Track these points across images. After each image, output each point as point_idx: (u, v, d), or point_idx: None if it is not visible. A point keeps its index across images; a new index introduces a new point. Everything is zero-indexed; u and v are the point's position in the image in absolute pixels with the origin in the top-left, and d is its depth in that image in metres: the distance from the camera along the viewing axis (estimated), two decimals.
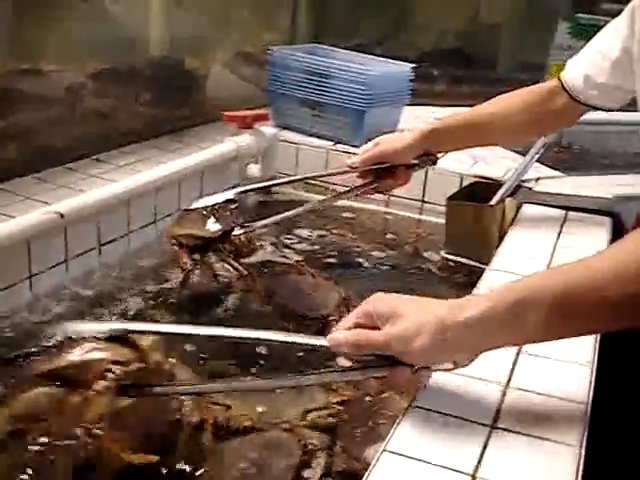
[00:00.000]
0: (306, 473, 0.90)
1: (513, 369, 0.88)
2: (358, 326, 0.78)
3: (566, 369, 0.90)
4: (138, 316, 1.25)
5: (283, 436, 0.97)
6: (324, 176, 1.68)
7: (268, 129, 1.86)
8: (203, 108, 1.91)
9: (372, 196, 1.69)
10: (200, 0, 1.89)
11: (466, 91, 2.70)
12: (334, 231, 1.69)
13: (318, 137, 1.90)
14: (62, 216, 1.27)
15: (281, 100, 1.94)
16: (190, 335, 0.90)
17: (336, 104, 1.85)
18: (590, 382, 0.87)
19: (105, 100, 1.64)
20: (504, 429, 0.77)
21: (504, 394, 0.83)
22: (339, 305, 1.29)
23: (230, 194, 1.35)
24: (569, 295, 0.71)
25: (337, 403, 1.04)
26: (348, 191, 1.47)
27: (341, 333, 0.78)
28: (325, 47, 2.08)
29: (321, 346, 0.79)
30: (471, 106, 1.45)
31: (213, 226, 1.30)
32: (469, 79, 2.76)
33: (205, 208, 1.32)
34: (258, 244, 1.49)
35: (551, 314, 0.71)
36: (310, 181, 1.76)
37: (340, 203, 1.76)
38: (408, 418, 0.78)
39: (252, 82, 2.08)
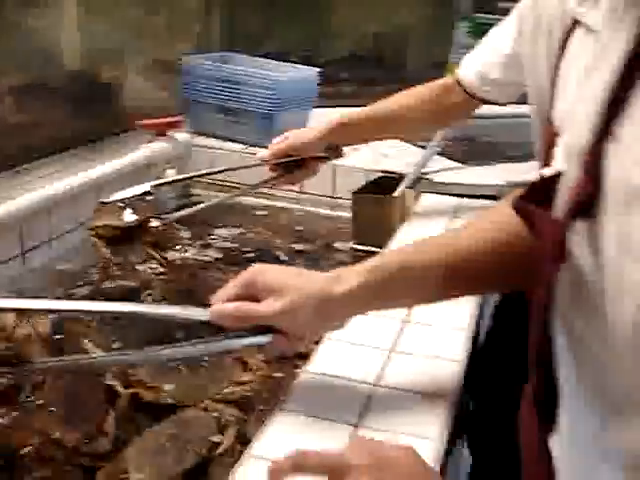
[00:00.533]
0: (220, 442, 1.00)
1: (398, 337, 0.99)
2: (239, 297, 0.81)
3: (446, 334, 1.01)
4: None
5: (200, 413, 1.06)
6: (238, 169, 1.75)
7: (183, 135, 1.95)
8: (121, 117, 1.99)
9: (284, 194, 1.81)
10: (113, 12, 1.96)
11: (376, 92, 2.81)
12: (250, 229, 1.78)
13: (232, 141, 2.00)
14: None
15: (194, 107, 2.03)
16: (57, 310, 0.88)
17: (246, 109, 1.95)
18: (466, 344, 0.99)
19: (23, 114, 1.70)
20: (386, 387, 0.88)
21: (389, 357, 0.94)
22: None
23: (146, 186, 1.42)
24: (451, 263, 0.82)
25: (252, 381, 1.13)
26: (260, 183, 1.57)
27: (224, 305, 0.81)
28: (236, 55, 2.18)
29: (203, 319, 0.81)
30: None
31: (130, 217, 1.37)
32: (380, 80, 2.89)
33: (122, 200, 1.38)
34: (177, 244, 1.59)
35: (428, 279, 0.83)
36: (223, 180, 1.86)
37: (254, 202, 1.87)
38: (301, 380, 0.89)
39: (168, 90, 2.15)
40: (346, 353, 0.95)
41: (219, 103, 1.99)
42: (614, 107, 0.53)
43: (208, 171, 1.70)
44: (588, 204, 0.56)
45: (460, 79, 1.49)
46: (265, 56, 2.19)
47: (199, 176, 1.66)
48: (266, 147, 1.77)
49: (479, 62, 1.47)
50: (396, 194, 1.64)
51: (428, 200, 1.64)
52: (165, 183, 1.51)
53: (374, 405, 0.84)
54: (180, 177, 1.62)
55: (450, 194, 1.67)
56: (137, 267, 1.44)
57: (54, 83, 1.80)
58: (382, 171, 1.81)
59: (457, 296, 0.90)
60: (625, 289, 0.53)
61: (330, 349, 0.95)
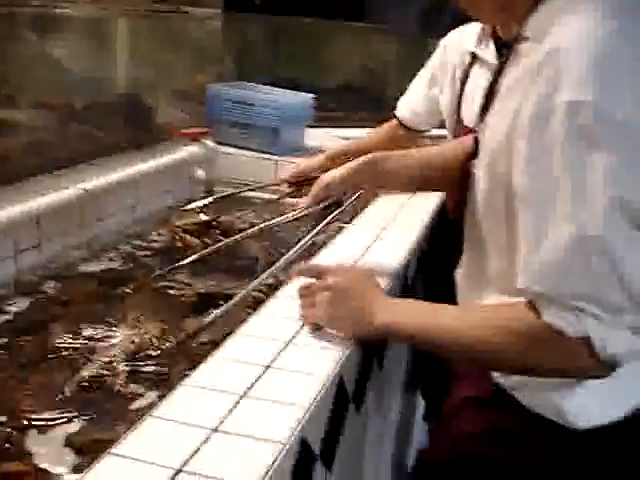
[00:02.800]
0: None
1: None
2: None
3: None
4: None
5: None
6: (265, 186, 2.23)
7: (210, 142, 2.55)
8: (161, 129, 2.57)
9: None
10: (154, 54, 2.56)
11: (358, 117, 3.44)
12: None
13: (246, 149, 2.59)
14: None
15: (217, 123, 2.62)
16: None
17: (257, 124, 2.55)
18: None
19: (87, 125, 2.28)
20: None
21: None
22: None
23: (210, 199, 2.03)
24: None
25: None
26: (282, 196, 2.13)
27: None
28: (248, 83, 2.79)
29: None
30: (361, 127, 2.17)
31: (203, 217, 2.00)
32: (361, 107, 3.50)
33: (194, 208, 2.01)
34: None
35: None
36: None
37: None
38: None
39: (197, 110, 2.74)
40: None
41: (236, 120, 2.59)
42: (485, 107, 1.14)
43: (257, 186, 2.25)
44: (475, 153, 1.14)
45: (400, 118, 2.12)
46: (270, 84, 2.80)
47: (236, 193, 2.21)
48: (271, 153, 2.39)
49: (410, 103, 2.09)
50: None
51: None
52: (224, 196, 2.10)
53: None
54: (234, 191, 2.16)
55: None
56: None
57: (110, 104, 2.38)
58: None
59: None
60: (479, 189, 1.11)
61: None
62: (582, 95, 0.88)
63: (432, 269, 1.87)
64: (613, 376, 0.98)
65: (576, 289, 0.93)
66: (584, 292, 0.92)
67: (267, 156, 2.54)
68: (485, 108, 1.14)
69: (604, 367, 0.96)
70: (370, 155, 1.45)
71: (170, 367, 1.35)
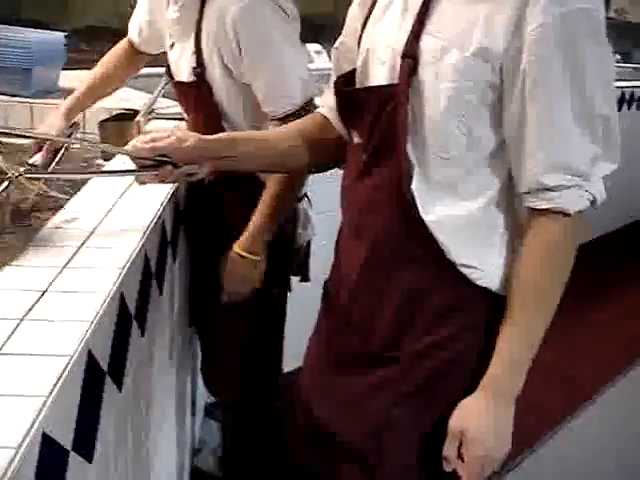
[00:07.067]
0: None
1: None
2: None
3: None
4: None
5: None
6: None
7: None
8: None
9: None
10: None
11: None
12: None
13: None
14: None
15: None
16: None
17: (6, 65, 2.40)
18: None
19: None
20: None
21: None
22: None
23: None
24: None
25: None
26: None
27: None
28: None
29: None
30: None
31: None
32: None
33: None
34: None
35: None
36: None
37: None
38: None
39: None
40: None
41: None
42: (420, 23, 1.12)
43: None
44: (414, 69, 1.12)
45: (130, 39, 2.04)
46: (17, 24, 2.64)
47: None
48: (25, 96, 2.25)
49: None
50: (136, 119, 2.19)
51: (155, 125, 2.21)
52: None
53: None
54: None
55: (172, 119, 2.25)
56: None
57: None
58: (122, 109, 2.34)
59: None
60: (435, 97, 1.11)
61: None
62: None
63: (196, 225, 1.90)
64: None
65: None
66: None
67: (19, 99, 2.40)
68: (421, 24, 1.14)
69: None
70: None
71: None
